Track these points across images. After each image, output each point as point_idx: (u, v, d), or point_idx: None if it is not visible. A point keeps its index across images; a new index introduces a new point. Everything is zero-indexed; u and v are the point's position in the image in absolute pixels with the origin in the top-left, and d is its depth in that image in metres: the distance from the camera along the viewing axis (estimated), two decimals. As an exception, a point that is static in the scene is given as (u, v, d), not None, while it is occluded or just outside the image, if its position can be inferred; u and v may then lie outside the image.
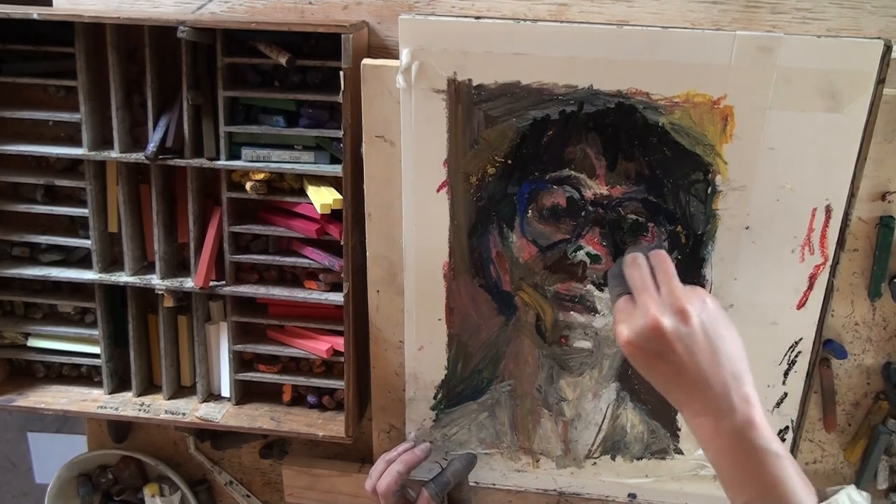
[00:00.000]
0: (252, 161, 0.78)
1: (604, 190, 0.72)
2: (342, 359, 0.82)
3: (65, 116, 0.80)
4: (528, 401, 0.81)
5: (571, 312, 0.76)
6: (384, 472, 0.78)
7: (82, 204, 0.84)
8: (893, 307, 0.79)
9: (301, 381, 0.87)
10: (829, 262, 0.73)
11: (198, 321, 0.87)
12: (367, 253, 0.79)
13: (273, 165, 0.78)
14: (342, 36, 0.71)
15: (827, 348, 0.80)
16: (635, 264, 0.65)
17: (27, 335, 0.91)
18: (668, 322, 0.60)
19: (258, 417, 0.88)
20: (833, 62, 0.66)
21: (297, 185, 0.81)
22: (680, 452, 0.82)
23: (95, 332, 0.88)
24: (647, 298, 0.62)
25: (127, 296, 0.87)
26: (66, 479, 1.00)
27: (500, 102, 0.70)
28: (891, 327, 0.80)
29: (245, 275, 0.86)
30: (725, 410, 0.58)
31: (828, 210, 0.71)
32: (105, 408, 0.89)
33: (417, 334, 0.80)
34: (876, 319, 0.80)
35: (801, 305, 0.75)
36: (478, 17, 0.70)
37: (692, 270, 0.74)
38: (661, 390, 0.63)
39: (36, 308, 0.91)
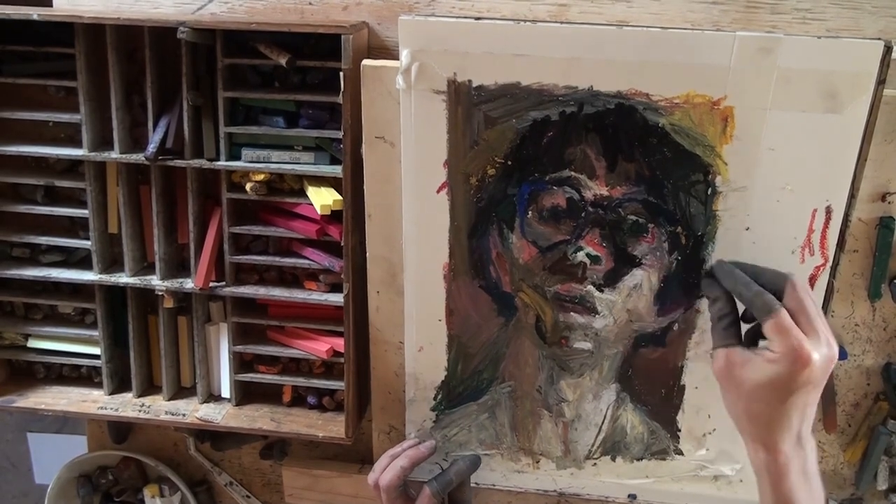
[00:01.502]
0: (252, 162, 0.79)
1: (604, 191, 0.72)
2: (342, 360, 0.82)
3: (65, 117, 0.80)
4: (529, 402, 0.81)
5: (571, 313, 0.76)
6: (388, 467, 0.78)
7: (82, 205, 0.84)
8: (893, 308, 0.79)
9: (301, 381, 0.87)
10: (829, 263, 0.73)
11: (198, 322, 0.87)
12: (367, 254, 0.79)
13: (273, 166, 0.78)
14: (342, 36, 0.71)
15: (827, 349, 0.80)
16: (801, 285, 0.63)
17: (27, 336, 0.91)
18: (835, 356, 0.61)
19: (258, 418, 0.88)
20: (833, 63, 0.66)
21: (297, 185, 0.81)
22: (680, 453, 0.82)
23: (95, 333, 0.88)
24: (824, 328, 0.61)
25: (127, 296, 0.87)
26: (66, 480, 1.00)
27: (500, 103, 0.70)
28: (891, 328, 0.80)
29: (245, 275, 0.86)
30: (803, 450, 0.62)
31: (828, 211, 0.71)
32: (105, 408, 0.89)
33: (417, 335, 0.80)
34: (876, 320, 0.80)
35: (801, 306, 0.75)
36: (478, 18, 0.70)
37: (692, 271, 0.74)
38: (764, 418, 0.62)
39: (36, 309, 0.91)
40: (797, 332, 0.60)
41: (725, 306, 0.66)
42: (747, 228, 0.72)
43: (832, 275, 0.73)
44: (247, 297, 0.84)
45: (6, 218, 0.87)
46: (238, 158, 0.79)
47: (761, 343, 0.64)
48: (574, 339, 0.78)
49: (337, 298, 0.81)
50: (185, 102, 0.77)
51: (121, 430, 0.99)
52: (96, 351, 0.89)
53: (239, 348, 0.87)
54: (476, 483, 0.85)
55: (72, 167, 0.86)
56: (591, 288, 0.75)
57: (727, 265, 0.69)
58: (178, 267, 0.87)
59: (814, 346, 0.59)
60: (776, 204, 0.71)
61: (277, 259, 0.83)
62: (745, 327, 0.67)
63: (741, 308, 0.67)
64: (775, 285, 0.63)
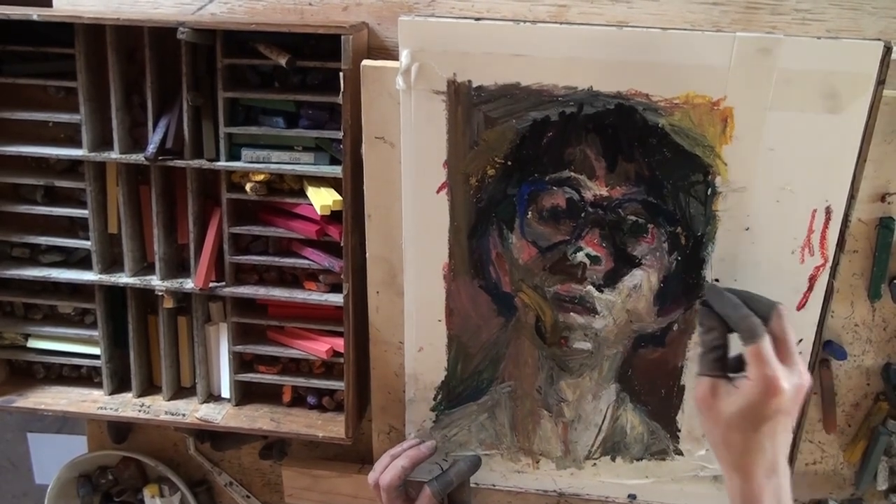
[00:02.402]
0: (252, 162, 0.79)
1: (603, 191, 0.72)
2: (342, 360, 0.82)
3: (65, 117, 0.80)
4: (528, 402, 0.81)
5: (571, 314, 0.76)
6: (388, 466, 0.78)
7: (82, 205, 0.84)
8: (893, 308, 0.79)
9: (301, 381, 0.87)
10: (829, 264, 0.73)
11: (198, 322, 0.87)
12: (367, 254, 0.79)
13: (273, 166, 0.78)
14: (342, 37, 0.71)
15: (827, 349, 0.80)
16: (785, 316, 0.64)
17: (27, 336, 0.91)
18: (808, 388, 0.63)
19: (258, 418, 0.88)
20: (833, 63, 0.66)
21: (297, 186, 0.81)
22: (680, 453, 0.82)
23: (95, 333, 0.88)
24: (799, 360, 0.63)
25: (127, 297, 0.87)
26: (66, 480, 1.00)
27: (500, 104, 0.70)
28: (890, 328, 0.80)
29: (245, 276, 0.86)
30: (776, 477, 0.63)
31: (827, 211, 0.71)
32: (105, 409, 0.89)
33: (417, 335, 0.80)
34: (876, 320, 0.80)
35: (800, 306, 0.75)
36: (478, 19, 0.70)
37: (692, 272, 0.74)
38: (740, 446, 0.63)
39: (36, 309, 0.91)
40: (775, 361, 0.61)
41: (719, 338, 0.66)
42: (747, 229, 0.72)
43: (832, 275, 0.73)
44: (247, 297, 0.84)
45: (6, 218, 0.87)
46: (238, 159, 0.79)
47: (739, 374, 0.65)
48: (574, 340, 0.78)
49: (337, 298, 0.81)
50: (185, 102, 0.77)
51: (121, 430, 0.99)
52: (96, 351, 0.89)
53: (239, 348, 0.87)
54: (476, 483, 0.85)
55: (72, 167, 0.86)
56: (590, 288, 0.75)
57: (718, 288, 0.70)
58: (178, 267, 0.87)
59: (787, 377, 0.61)
60: (776, 204, 0.71)
61: (277, 259, 0.83)
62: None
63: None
64: (763, 312, 0.65)
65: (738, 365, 0.65)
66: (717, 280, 0.73)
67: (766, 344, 0.62)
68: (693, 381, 0.78)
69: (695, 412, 0.79)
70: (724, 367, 0.65)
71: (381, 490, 0.78)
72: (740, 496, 0.63)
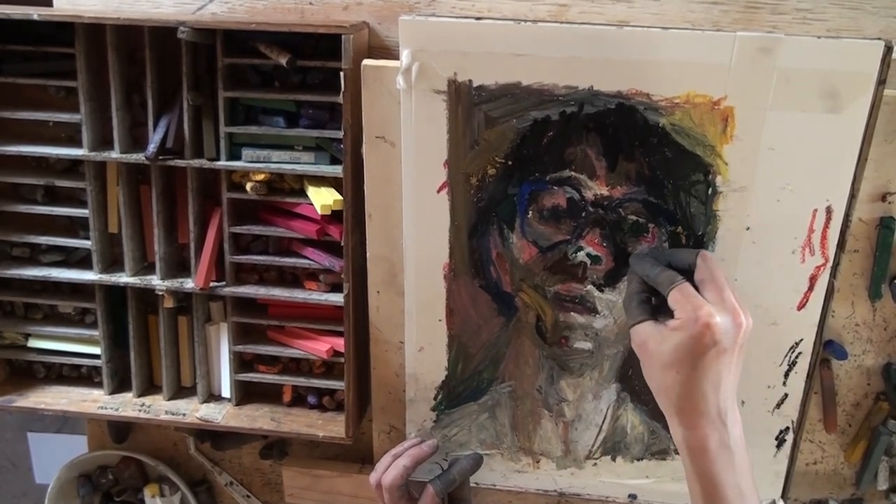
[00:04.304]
0: (252, 162, 0.78)
1: (604, 191, 0.72)
2: (342, 359, 0.82)
3: (65, 117, 0.80)
4: (529, 402, 0.81)
5: (572, 313, 0.76)
6: (390, 466, 0.78)
7: (82, 204, 0.84)
8: (894, 308, 0.79)
9: (301, 381, 0.87)
10: (830, 263, 0.73)
11: (198, 322, 0.87)
12: (368, 254, 0.79)
13: (273, 166, 0.78)
14: (342, 36, 0.71)
15: (827, 349, 0.80)
16: (711, 258, 0.65)
17: (27, 335, 0.91)
18: (747, 326, 0.61)
19: (258, 418, 0.88)
20: (833, 63, 0.66)
21: (297, 185, 0.81)
22: (680, 453, 0.82)
23: (96, 333, 0.88)
24: (731, 296, 0.62)
25: (127, 296, 0.87)
26: (66, 480, 1.00)
27: (501, 103, 0.70)
28: (891, 328, 0.80)
29: (245, 275, 0.86)
30: (723, 424, 0.61)
31: (828, 211, 0.71)
32: (105, 408, 0.89)
33: (418, 335, 0.80)
34: (876, 320, 0.80)
35: (801, 306, 0.75)
36: (478, 18, 0.70)
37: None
38: (676, 388, 0.62)
39: (36, 308, 0.91)
40: (696, 298, 0.61)
41: (637, 286, 0.67)
42: (747, 228, 0.72)
43: (832, 275, 0.73)
44: (247, 297, 0.84)
45: (6, 218, 0.87)
46: (238, 158, 0.79)
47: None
48: (574, 339, 0.78)
49: (337, 298, 0.81)
50: (185, 102, 0.77)
51: (121, 430, 0.99)
52: (96, 351, 0.89)
53: (239, 348, 0.87)
54: (476, 483, 0.85)
55: (72, 167, 0.86)
56: (591, 288, 0.75)
57: (639, 254, 0.71)
58: (178, 267, 0.87)
59: (717, 312, 0.60)
60: (776, 204, 0.71)
61: (277, 259, 0.83)
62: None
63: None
64: (686, 261, 0.66)
65: (669, 313, 0.65)
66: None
67: (686, 286, 0.62)
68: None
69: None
70: (648, 311, 0.65)
71: (384, 490, 0.78)
72: (685, 446, 0.61)
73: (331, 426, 0.86)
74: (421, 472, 0.82)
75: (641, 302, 0.67)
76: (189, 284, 0.84)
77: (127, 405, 0.89)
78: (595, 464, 0.84)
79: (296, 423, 0.88)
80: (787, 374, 0.77)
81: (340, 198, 0.77)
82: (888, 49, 0.65)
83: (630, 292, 0.69)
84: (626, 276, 0.74)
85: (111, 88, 0.78)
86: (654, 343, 0.63)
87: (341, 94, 0.73)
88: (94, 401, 0.90)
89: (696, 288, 0.63)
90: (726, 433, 0.60)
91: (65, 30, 0.77)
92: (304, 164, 0.78)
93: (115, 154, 0.80)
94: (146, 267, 0.87)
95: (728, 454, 0.60)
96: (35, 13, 0.74)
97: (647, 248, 0.73)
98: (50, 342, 0.91)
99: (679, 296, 0.62)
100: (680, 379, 0.61)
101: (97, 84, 0.80)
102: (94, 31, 0.77)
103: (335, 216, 0.78)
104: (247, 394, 0.91)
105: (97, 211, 0.84)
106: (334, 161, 0.78)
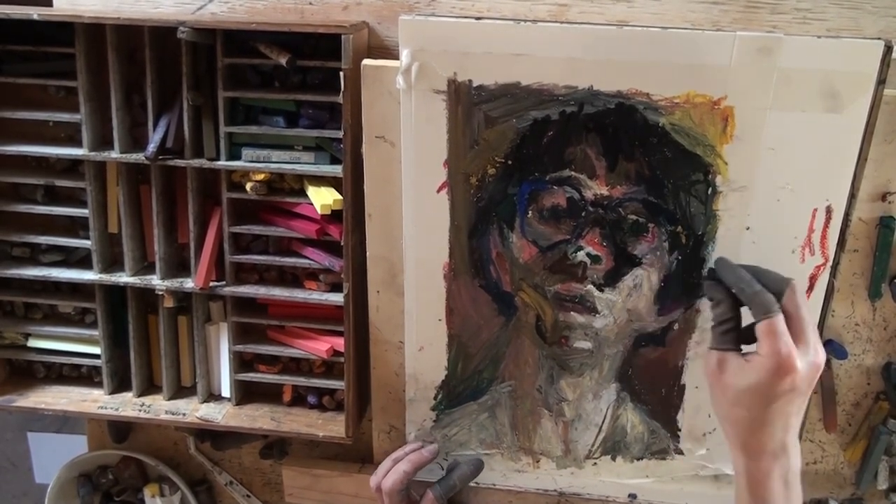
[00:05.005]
0: (252, 161, 0.78)
1: (604, 190, 0.72)
2: (342, 359, 0.82)
3: (65, 117, 0.80)
4: (529, 401, 0.81)
5: (572, 313, 0.76)
6: (390, 471, 0.78)
7: (82, 204, 0.84)
8: (894, 308, 0.79)
9: (301, 381, 0.87)
10: (830, 263, 0.73)
11: (198, 321, 0.87)
12: (368, 253, 0.79)
13: (273, 166, 0.78)
14: (342, 36, 0.71)
15: (827, 348, 0.80)
16: (799, 292, 0.63)
17: (27, 335, 0.91)
18: (821, 366, 0.61)
19: (258, 418, 0.88)
20: (833, 63, 0.66)
21: (297, 185, 0.81)
22: (680, 453, 0.82)
23: (95, 333, 0.88)
24: (814, 337, 0.61)
25: (127, 296, 0.87)
26: (66, 480, 1.00)
27: (501, 103, 0.70)
28: (891, 328, 0.80)
29: (245, 275, 0.86)
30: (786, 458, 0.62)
31: (828, 210, 0.71)
32: (105, 408, 0.89)
33: (418, 335, 0.80)
34: (876, 320, 0.80)
35: (801, 306, 0.75)
36: (478, 18, 0.70)
37: (692, 271, 0.74)
38: (745, 423, 0.62)
39: (36, 308, 0.91)
40: (787, 338, 0.59)
41: (728, 311, 0.65)
42: (747, 228, 0.72)
43: (832, 274, 0.74)
44: (247, 297, 0.84)
45: (6, 218, 0.87)
46: (238, 158, 0.79)
47: (750, 347, 0.63)
48: (574, 339, 0.78)
49: (337, 298, 0.81)
50: (185, 102, 0.77)
51: (121, 430, 0.99)
52: (96, 350, 0.89)
53: (239, 348, 0.87)
54: (476, 483, 0.85)
55: (72, 167, 0.86)
56: (591, 287, 0.75)
57: (728, 261, 0.69)
58: (178, 267, 0.87)
59: (801, 355, 0.59)
60: (776, 203, 0.71)
61: (277, 259, 0.83)
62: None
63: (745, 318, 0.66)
64: (775, 288, 0.63)
65: (750, 339, 0.63)
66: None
67: (780, 320, 0.60)
68: (692, 380, 0.78)
69: (694, 411, 0.79)
70: (735, 340, 0.64)
71: (384, 494, 0.78)
72: (745, 476, 0.61)
73: (331, 426, 0.86)
74: (422, 471, 0.82)
75: (731, 329, 0.64)
76: (189, 284, 0.84)
77: (127, 405, 0.89)
78: (595, 463, 0.84)
79: (296, 422, 0.88)
80: (786, 374, 0.77)
81: (340, 198, 0.77)
82: (888, 49, 0.66)
83: (719, 316, 0.65)
84: (626, 275, 0.74)
85: (111, 88, 0.78)
86: (731, 375, 0.62)
87: (341, 94, 0.73)
88: (94, 401, 0.90)
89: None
90: (787, 467, 0.61)
91: (65, 30, 0.77)
92: (304, 163, 0.78)
93: (114, 154, 0.80)
94: (146, 267, 0.87)
95: (786, 487, 0.61)
96: (35, 13, 0.74)
97: (725, 259, 0.70)
98: (50, 342, 0.91)
99: (769, 329, 0.60)
100: (750, 416, 0.61)
101: (97, 84, 0.80)
102: (94, 31, 0.77)
103: (335, 216, 0.78)
104: (247, 393, 0.91)
105: (97, 211, 0.84)
106: (334, 161, 0.78)
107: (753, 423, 0.61)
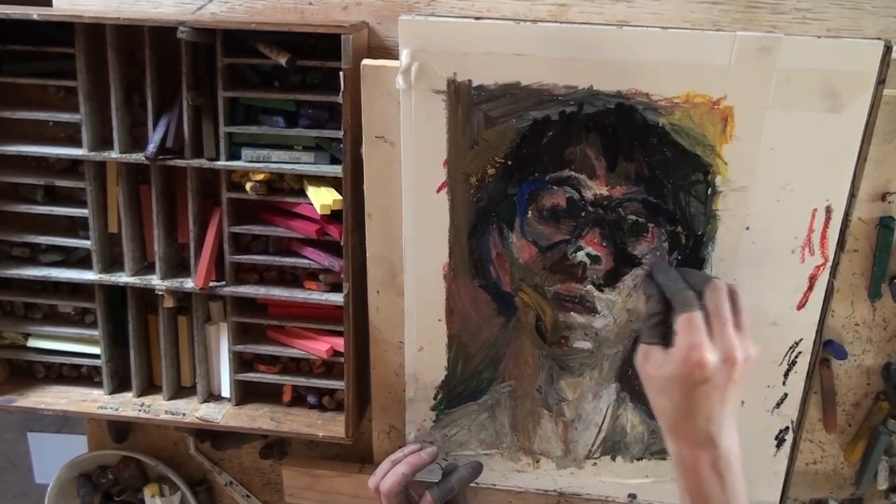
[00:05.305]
0: (252, 161, 0.78)
1: (604, 190, 0.72)
2: (342, 359, 0.82)
3: (65, 117, 0.80)
4: (529, 401, 0.81)
5: (571, 313, 0.76)
6: (389, 472, 0.78)
7: (82, 204, 0.84)
8: (893, 308, 0.79)
9: (301, 381, 0.87)
10: (830, 263, 0.73)
11: (198, 321, 0.87)
12: (367, 253, 0.79)
13: (273, 166, 0.78)
14: (342, 36, 0.71)
15: (827, 349, 0.80)
16: (720, 290, 0.65)
17: (27, 335, 0.91)
18: (745, 361, 0.62)
19: (258, 418, 0.88)
20: (833, 62, 0.66)
21: (297, 185, 0.81)
22: (680, 453, 0.82)
23: (95, 333, 0.88)
24: (730, 332, 0.63)
25: (127, 296, 0.87)
26: (66, 480, 1.00)
27: (500, 103, 0.70)
28: (891, 328, 0.80)
29: (245, 275, 0.86)
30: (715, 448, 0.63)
31: (828, 211, 0.71)
32: (105, 408, 0.89)
33: (417, 335, 0.80)
34: (876, 320, 0.80)
35: (801, 306, 0.75)
36: (478, 18, 0.70)
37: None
38: (669, 411, 0.64)
39: (36, 308, 0.91)
40: (702, 332, 0.62)
41: (657, 306, 0.67)
42: (747, 228, 0.72)
43: (832, 274, 0.73)
44: (247, 297, 0.84)
45: (6, 218, 0.87)
46: (238, 158, 0.79)
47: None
48: (574, 339, 0.78)
49: (337, 298, 0.81)
50: (185, 102, 0.77)
51: (121, 430, 0.99)
52: (96, 350, 0.89)
53: (239, 348, 0.87)
54: (476, 483, 0.85)
55: (72, 167, 0.86)
56: (591, 287, 0.75)
57: (663, 264, 0.72)
58: (178, 267, 0.87)
59: (712, 349, 0.61)
60: (776, 204, 0.71)
61: (277, 259, 0.83)
62: None
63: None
64: (699, 287, 0.66)
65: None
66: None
67: (697, 315, 0.63)
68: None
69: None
70: (661, 335, 0.66)
71: (382, 496, 0.78)
72: (678, 463, 0.64)
73: (331, 426, 0.86)
74: (421, 471, 0.82)
75: (658, 324, 0.66)
76: (189, 284, 0.84)
77: (127, 405, 0.89)
78: (595, 463, 0.84)
79: (296, 422, 0.88)
80: (786, 374, 0.77)
81: (340, 198, 0.77)
82: (888, 49, 0.66)
83: (649, 310, 0.68)
84: (626, 275, 0.74)
85: (111, 88, 0.78)
86: (653, 367, 0.65)
87: (341, 94, 0.73)
88: (94, 401, 0.90)
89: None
90: (718, 456, 0.62)
91: (65, 30, 0.77)
92: (303, 163, 0.78)
93: (114, 154, 0.80)
94: (146, 267, 0.87)
95: (718, 477, 0.62)
96: (35, 13, 0.74)
97: (661, 259, 0.73)
98: (50, 342, 0.91)
99: (686, 324, 0.63)
100: (672, 405, 0.63)
101: (97, 84, 0.80)
102: (94, 31, 0.77)
103: (335, 216, 0.78)
104: (247, 394, 0.91)
105: (97, 211, 0.84)
106: (334, 161, 0.78)
107: (676, 411, 0.63)
